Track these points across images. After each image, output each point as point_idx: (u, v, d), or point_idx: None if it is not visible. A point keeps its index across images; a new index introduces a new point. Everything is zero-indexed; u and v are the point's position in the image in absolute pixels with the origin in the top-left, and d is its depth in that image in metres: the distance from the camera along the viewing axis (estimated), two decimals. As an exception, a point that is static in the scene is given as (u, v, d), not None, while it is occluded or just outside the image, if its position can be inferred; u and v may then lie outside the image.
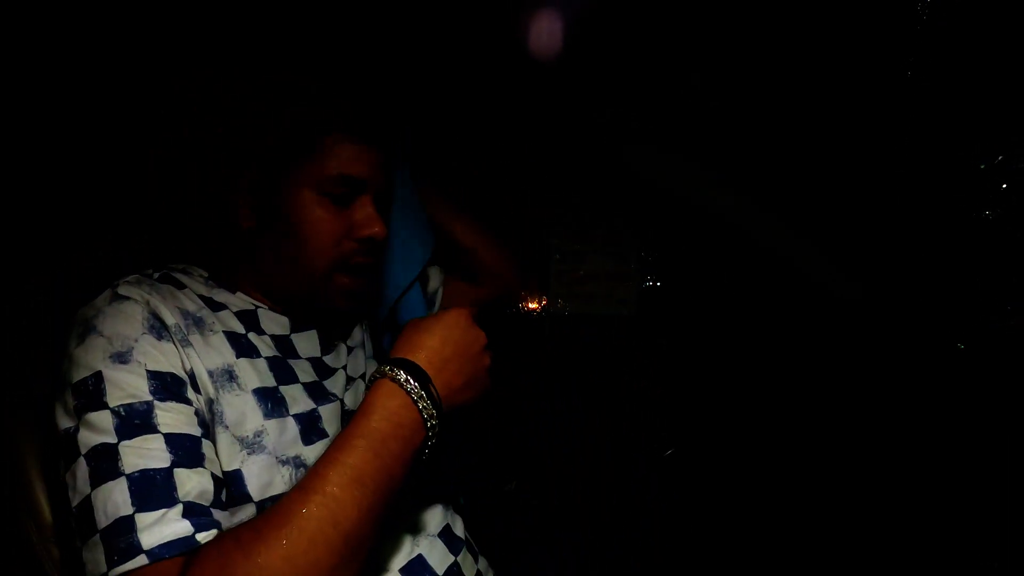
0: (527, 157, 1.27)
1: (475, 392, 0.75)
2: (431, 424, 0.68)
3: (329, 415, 0.77)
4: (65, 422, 0.63)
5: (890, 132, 1.19)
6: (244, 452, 0.67)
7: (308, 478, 0.61)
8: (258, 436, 0.69)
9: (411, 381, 0.67)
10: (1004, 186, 1.13)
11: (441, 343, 0.73)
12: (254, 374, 0.73)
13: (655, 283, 1.32)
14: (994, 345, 1.14)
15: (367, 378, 0.79)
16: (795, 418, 1.27)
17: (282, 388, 0.75)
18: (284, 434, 0.71)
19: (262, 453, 0.68)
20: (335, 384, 0.82)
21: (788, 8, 1.12)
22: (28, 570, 0.71)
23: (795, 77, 1.19)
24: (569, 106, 1.25)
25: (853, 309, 1.23)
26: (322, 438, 0.75)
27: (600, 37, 1.14)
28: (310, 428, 0.74)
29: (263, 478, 0.67)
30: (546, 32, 1.07)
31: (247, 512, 0.66)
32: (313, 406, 0.76)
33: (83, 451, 0.60)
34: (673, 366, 1.35)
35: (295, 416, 0.73)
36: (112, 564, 0.57)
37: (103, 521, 0.58)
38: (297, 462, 0.71)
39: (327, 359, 0.85)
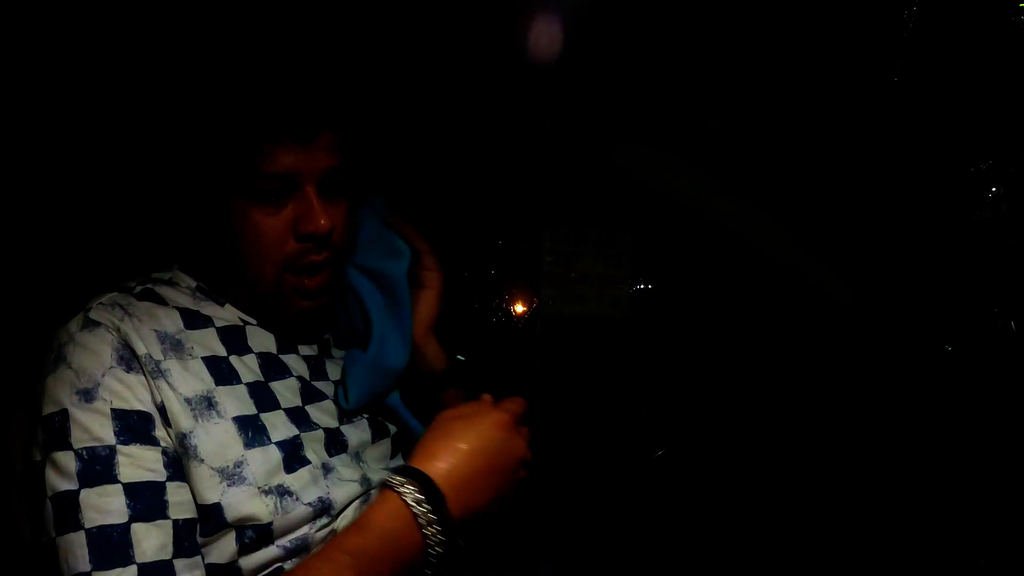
0: (518, 156, 1.28)
1: (494, 509, 0.66)
2: (434, 552, 0.61)
3: (311, 442, 0.75)
4: (35, 454, 0.65)
5: (879, 137, 1.20)
6: (224, 484, 0.66)
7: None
8: (239, 467, 0.67)
9: (422, 503, 0.60)
10: (994, 190, 1.14)
11: (471, 454, 0.65)
12: (234, 401, 0.71)
13: (647, 285, 1.33)
14: (981, 348, 1.15)
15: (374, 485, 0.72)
16: (787, 420, 1.28)
17: (263, 416, 0.73)
18: (266, 463, 0.70)
19: (243, 484, 0.67)
20: (320, 411, 0.81)
21: (778, 15, 1.12)
22: (27, 570, 0.71)
23: (786, 82, 1.19)
24: (559, 106, 1.25)
25: (844, 311, 1.24)
26: (304, 465, 0.73)
27: (591, 37, 1.15)
28: (292, 456, 0.72)
29: (243, 510, 0.65)
30: (538, 33, 1.08)
31: (227, 538, 0.65)
32: (296, 432, 0.74)
33: (49, 493, 0.62)
34: (664, 367, 1.36)
35: (277, 444, 0.72)
36: None
37: (66, 571, 0.60)
38: (280, 490, 0.69)
39: (317, 384, 0.83)
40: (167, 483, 0.65)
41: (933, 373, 1.18)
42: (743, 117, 1.21)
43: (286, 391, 0.78)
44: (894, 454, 1.17)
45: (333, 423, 0.81)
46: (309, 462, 0.73)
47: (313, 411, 0.79)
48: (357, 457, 0.80)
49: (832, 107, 1.19)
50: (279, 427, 0.73)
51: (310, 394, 0.81)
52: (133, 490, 0.63)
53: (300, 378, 0.81)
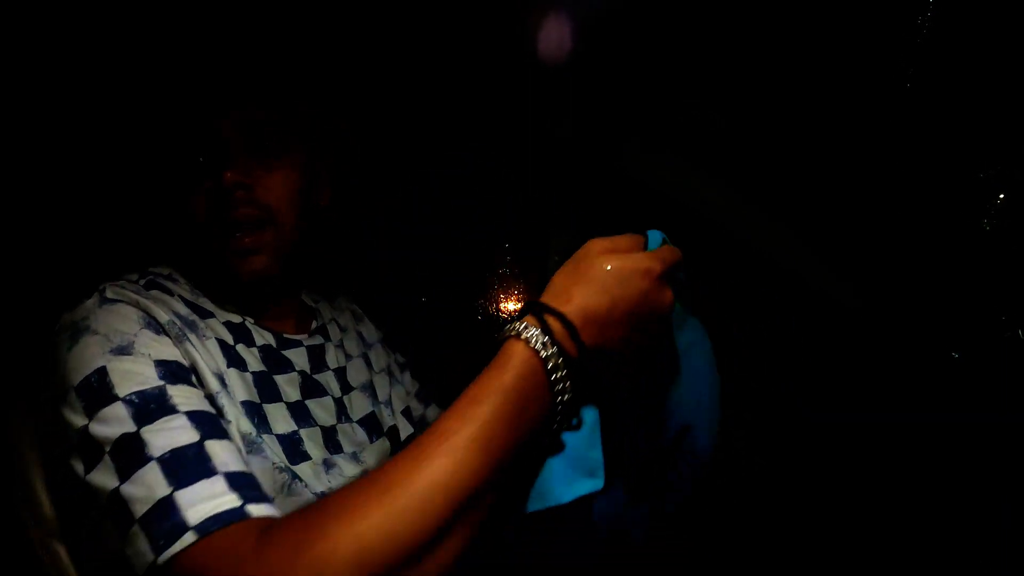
0: (525, 157, 1.26)
1: (628, 366, 0.59)
2: (561, 401, 0.54)
3: (310, 439, 0.76)
4: (77, 421, 0.59)
5: (888, 142, 1.17)
6: (246, 451, 0.66)
7: (422, 438, 0.51)
8: (257, 440, 0.68)
9: (550, 345, 0.52)
10: (1002, 196, 1.12)
11: (611, 301, 0.55)
12: (243, 386, 0.72)
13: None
14: (989, 355, 1.14)
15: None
16: (789, 420, 1.28)
17: (265, 406, 0.74)
18: (275, 448, 0.71)
19: (261, 455, 0.67)
20: (320, 407, 0.81)
21: (787, 16, 1.08)
22: (28, 570, 0.71)
23: (794, 84, 1.16)
24: (567, 107, 1.23)
25: (851, 316, 1.23)
26: (306, 460, 0.74)
27: (597, 37, 1.12)
28: (293, 450, 0.73)
29: (264, 481, 0.63)
30: (544, 32, 1.05)
31: None
32: (295, 428, 0.75)
33: (105, 447, 0.57)
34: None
35: (278, 436, 0.73)
36: (159, 550, 0.51)
37: (140, 509, 0.54)
38: (292, 474, 0.70)
39: (317, 377, 0.84)
40: (219, 418, 0.63)
41: (940, 379, 1.17)
42: (752, 119, 1.18)
43: (287, 385, 0.79)
44: (899, 460, 1.17)
45: (331, 420, 0.82)
46: (310, 457, 0.75)
47: (313, 406, 0.80)
48: (355, 456, 0.82)
49: (841, 111, 1.17)
50: (279, 420, 0.74)
51: (310, 389, 0.82)
52: (195, 416, 0.60)
53: (301, 372, 0.82)
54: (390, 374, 1.01)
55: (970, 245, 1.13)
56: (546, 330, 0.53)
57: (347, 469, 0.78)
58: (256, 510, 0.53)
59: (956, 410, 1.12)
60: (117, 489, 0.55)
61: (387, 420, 0.92)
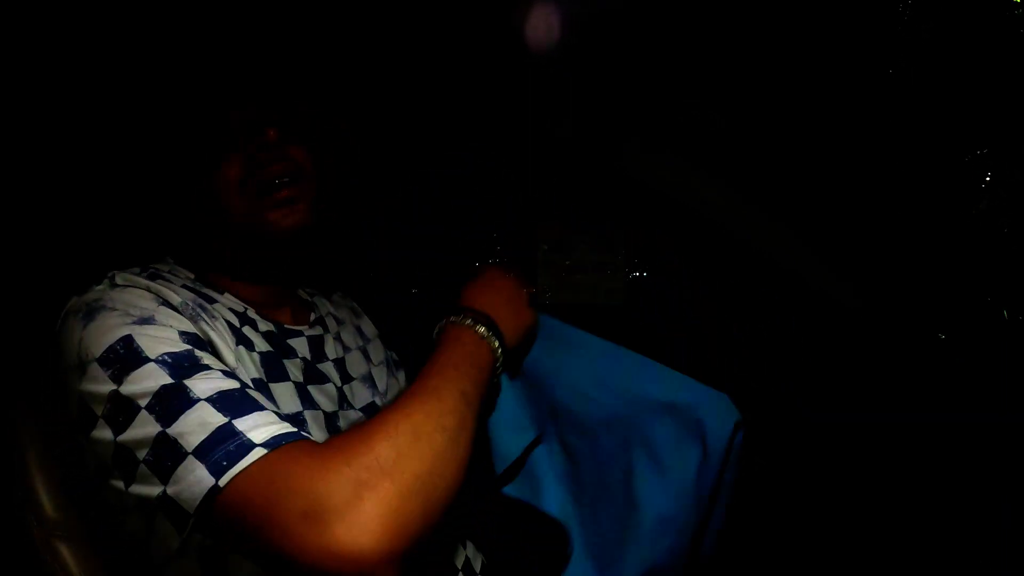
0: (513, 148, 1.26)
1: (521, 331, 0.87)
2: (498, 364, 0.80)
3: (313, 420, 0.78)
4: (103, 389, 0.58)
5: (873, 126, 1.18)
6: None
7: (413, 388, 0.67)
8: None
9: (483, 329, 0.79)
10: (988, 178, 1.12)
11: (494, 294, 0.86)
12: (251, 365, 0.73)
13: (643, 273, 1.33)
14: (975, 336, 1.15)
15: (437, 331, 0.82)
16: (789, 420, 1.28)
17: (272, 385, 0.75)
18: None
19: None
20: (321, 393, 0.83)
21: (777, 15, 1.09)
22: (30, 569, 0.72)
23: (779, 72, 1.16)
24: (567, 107, 1.23)
25: (850, 315, 1.24)
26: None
27: (596, 37, 1.12)
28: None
29: None
30: (538, 26, 1.05)
31: None
32: (300, 408, 0.77)
33: (141, 402, 0.57)
34: (660, 354, 1.37)
35: (284, 416, 0.74)
36: (221, 471, 0.53)
37: (194, 440, 0.54)
38: None
39: (319, 366, 0.86)
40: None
41: (927, 361, 1.18)
42: (750, 119, 1.19)
43: (292, 367, 0.80)
44: (899, 460, 1.17)
45: (333, 407, 0.83)
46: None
47: (315, 392, 0.81)
48: None
49: (826, 97, 1.17)
50: (286, 399, 0.76)
51: (313, 375, 0.83)
52: (228, 374, 0.62)
53: (303, 359, 0.83)
54: (388, 367, 1.02)
55: (955, 227, 1.13)
56: (479, 320, 0.80)
57: None
58: (307, 435, 0.60)
59: (956, 410, 1.12)
60: (163, 432, 0.56)
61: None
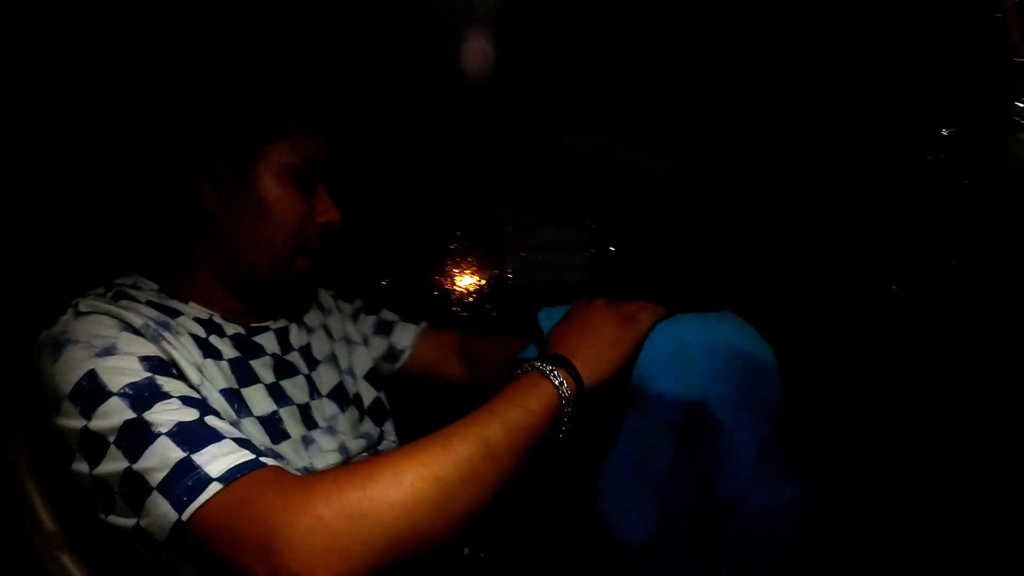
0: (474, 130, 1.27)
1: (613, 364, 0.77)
2: (562, 431, 0.72)
3: (289, 417, 0.80)
4: (76, 425, 0.61)
5: (828, 79, 1.16)
6: None
7: (438, 435, 0.63)
8: (238, 427, 0.71)
9: (566, 388, 0.71)
10: (944, 132, 1.12)
11: (595, 346, 0.77)
12: (219, 375, 0.75)
13: (609, 249, 1.34)
14: (927, 286, 1.17)
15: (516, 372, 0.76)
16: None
17: (243, 390, 0.77)
18: (256, 432, 0.74)
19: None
20: (294, 386, 0.85)
21: None
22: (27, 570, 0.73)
23: (728, 31, 1.16)
24: (512, 84, 1.23)
25: (800, 264, 1.25)
26: (285, 439, 0.77)
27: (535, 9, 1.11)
28: (274, 430, 0.77)
29: None
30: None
31: None
32: (274, 408, 0.79)
33: (109, 438, 0.59)
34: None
35: (258, 418, 0.76)
36: (182, 506, 0.55)
37: (157, 476, 0.56)
38: (273, 453, 0.73)
39: (287, 357, 0.88)
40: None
41: (880, 313, 1.18)
42: (690, 84, 1.18)
43: (262, 368, 0.82)
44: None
45: (304, 398, 0.86)
46: (289, 436, 0.79)
47: (287, 386, 0.84)
48: (331, 429, 0.86)
49: (776, 51, 1.16)
50: (259, 402, 0.78)
51: (283, 369, 0.85)
52: (187, 400, 0.64)
53: (273, 355, 0.86)
54: (348, 341, 1.04)
55: (912, 179, 1.11)
56: (548, 360, 0.73)
57: (324, 443, 0.83)
58: (268, 461, 0.59)
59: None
60: (129, 467, 0.58)
61: (351, 388, 0.96)
